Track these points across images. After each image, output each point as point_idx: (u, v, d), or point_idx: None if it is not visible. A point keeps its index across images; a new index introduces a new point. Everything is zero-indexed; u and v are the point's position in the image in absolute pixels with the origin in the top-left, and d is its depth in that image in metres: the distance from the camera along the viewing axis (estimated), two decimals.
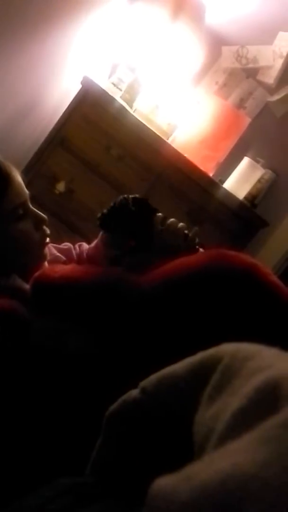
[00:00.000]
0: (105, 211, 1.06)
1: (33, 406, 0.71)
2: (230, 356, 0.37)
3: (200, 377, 0.39)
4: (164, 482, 0.25)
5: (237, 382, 0.34)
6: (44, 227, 1.00)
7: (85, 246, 1.20)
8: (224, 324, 0.72)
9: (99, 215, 1.07)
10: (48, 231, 1.01)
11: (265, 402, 0.29)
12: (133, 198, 1.05)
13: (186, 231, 1.05)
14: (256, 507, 0.21)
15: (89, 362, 0.74)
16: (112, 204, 1.06)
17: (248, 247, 2.29)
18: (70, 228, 2.20)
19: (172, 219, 1.05)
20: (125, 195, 1.06)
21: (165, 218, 1.06)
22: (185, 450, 0.40)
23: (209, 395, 0.36)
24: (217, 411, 0.33)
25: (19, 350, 0.77)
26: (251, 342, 0.41)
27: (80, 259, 1.15)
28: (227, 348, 0.39)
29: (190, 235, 1.05)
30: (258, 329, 0.71)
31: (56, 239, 1.17)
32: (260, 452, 0.24)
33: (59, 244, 1.19)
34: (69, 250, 1.17)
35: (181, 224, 1.05)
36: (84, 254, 1.17)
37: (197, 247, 1.05)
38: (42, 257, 1.01)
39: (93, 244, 1.16)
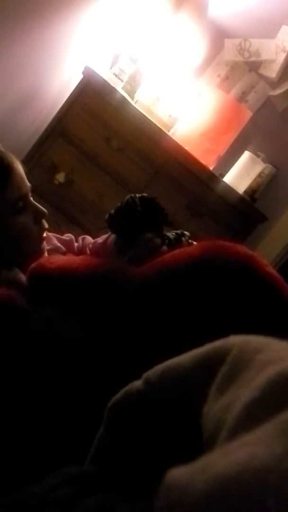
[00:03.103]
0: (112, 211, 1.03)
1: (34, 396, 0.71)
2: (239, 348, 0.37)
3: (207, 369, 0.39)
4: (178, 474, 0.25)
5: (247, 375, 0.33)
6: (43, 221, 0.99)
7: (89, 239, 1.18)
8: (221, 315, 0.72)
9: (106, 216, 1.04)
10: (46, 225, 1.00)
11: (279, 394, 0.29)
12: (141, 198, 1.02)
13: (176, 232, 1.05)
14: (275, 499, 0.21)
15: (86, 352, 0.74)
16: (119, 204, 1.03)
17: (247, 241, 2.29)
18: (69, 219, 2.20)
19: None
20: (133, 194, 1.03)
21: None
22: (189, 442, 0.39)
23: (217, 387, 0.36)
24: (227, 403, 0.32)
25: (17, 340, 0.77)
26: (249, 333, 0.40)
27: (81, 253, 1.14)
28: (236, 340, 0.38)
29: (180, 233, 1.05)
30: (254, 319, 0.71)
31: (55, 230, 1.16)
32: (278, 444, 0.23)
33: (61, 235, 1.18)
34: (70, 242, 1.16)
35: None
36: (87, 248, 1.15)
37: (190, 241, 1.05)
38: (40, 251, 1.00)
39: (100, 240, 1.14)
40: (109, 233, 1.12)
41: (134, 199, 1.01)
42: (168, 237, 1.04)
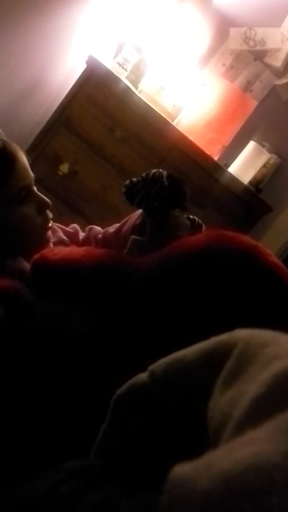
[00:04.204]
0: (134, 179, 0.99)
1: (37, 388, 0.71)
2: (245, 342, 0.36)
3: (213, 362, 0.38)
4: (184, 470, 0.24)
5: (254, 369, 0.33)
6: (47, 211, 0.99)
7: (96, 230, 1.17)
8: (225, 304, 0.72)
9: (127, 182, 0.99)
10: (50, 215, 1.00)
11: (285, 390, 0.28)
12: (168, 175, 1.00)
13: (191, 217, 1.04)
14: (281, 497, 0.21)
15: (90, 344, 0.74)
16: (143, 174, 0.99)
17: (252, 232, 2.28)
18: (73, 210, 2.19)
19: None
20: (161, 169, 1.00)
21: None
22: (195, 436, 0.39)
23: (223, 381, 0.35)
24: (233, 397, 0.32)
25: (21, 331, 0.77)
26: (253, 323, 0.40)
27: (85, 244, 1.13)
28: (242, 334, 0.38)
29: (197, 221, 1.04)
30: (258, 308, 0.71)
31: (59, 221, 1.15)
32: (284, 441, 0.23)
33: (67, 226, 1.17)
34: (75, 233, 1.15)
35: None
36: (94, 239, 1.14)
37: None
38: (45, 241, 1.00)
39: (111, 229, 1.13)
40: (122, 221, 1.10)
41: (162, 173, 0.99)
42: (193, 220, 1.03)
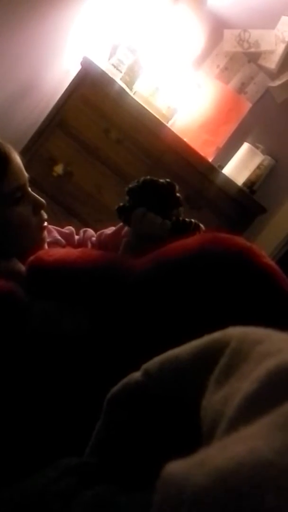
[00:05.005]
0: (135, 183, 1.05)
1: (33, 388, 0.71)
2: (238, 340, 0.36)
3: (206, 360, 0.38)
4: (176, 468, 0.24)
5: (246, 366, 0.33)
6: (42, 211, 0.99)
7: (90, 232, 1.17)
8: (219, 306, 0.72)
9: (127, 188, 1.05)
10: (45, 216, 1.00)
11: (279, 386, 0.28)
12: (166, 180, 1.06)
13: (187, 219, 1.05)
14: (275, 494, 0.21)
15: (85, 344, 0.74)
16: (142, 178, 1.05)
17: (246, 233, 2.29)
18: (67, 211, 2.19)
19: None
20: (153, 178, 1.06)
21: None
22: (189, 434, 0.39)
23: (216, 379, 0.35)
24: (226, 395, 0.32)
25: (17, 332, 0.77)
26: (248, 324, 0.40)
27: (81, 246, 1.13)
28: (235, 332, 0.38)
29: (193, 222, 1.04)
30: (252, 310, 0.71)
31: (54, 222, 1.15)
32: (277, 437, 0.23)
33: (62, 227, 1.17)
34: (70, 235, 1.15)
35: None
36: (89, 241, 1.14)
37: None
38: (40, 241, 1.00)
39: (108, 231, 1.13)
40: (120, 224, 1.10)
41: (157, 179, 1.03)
42: (179, 221, 1.04)
